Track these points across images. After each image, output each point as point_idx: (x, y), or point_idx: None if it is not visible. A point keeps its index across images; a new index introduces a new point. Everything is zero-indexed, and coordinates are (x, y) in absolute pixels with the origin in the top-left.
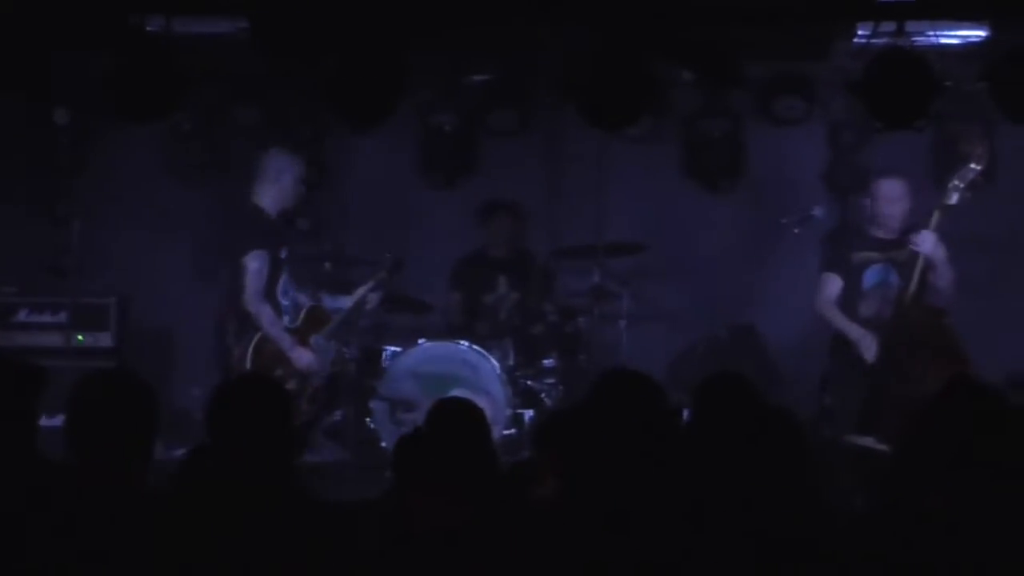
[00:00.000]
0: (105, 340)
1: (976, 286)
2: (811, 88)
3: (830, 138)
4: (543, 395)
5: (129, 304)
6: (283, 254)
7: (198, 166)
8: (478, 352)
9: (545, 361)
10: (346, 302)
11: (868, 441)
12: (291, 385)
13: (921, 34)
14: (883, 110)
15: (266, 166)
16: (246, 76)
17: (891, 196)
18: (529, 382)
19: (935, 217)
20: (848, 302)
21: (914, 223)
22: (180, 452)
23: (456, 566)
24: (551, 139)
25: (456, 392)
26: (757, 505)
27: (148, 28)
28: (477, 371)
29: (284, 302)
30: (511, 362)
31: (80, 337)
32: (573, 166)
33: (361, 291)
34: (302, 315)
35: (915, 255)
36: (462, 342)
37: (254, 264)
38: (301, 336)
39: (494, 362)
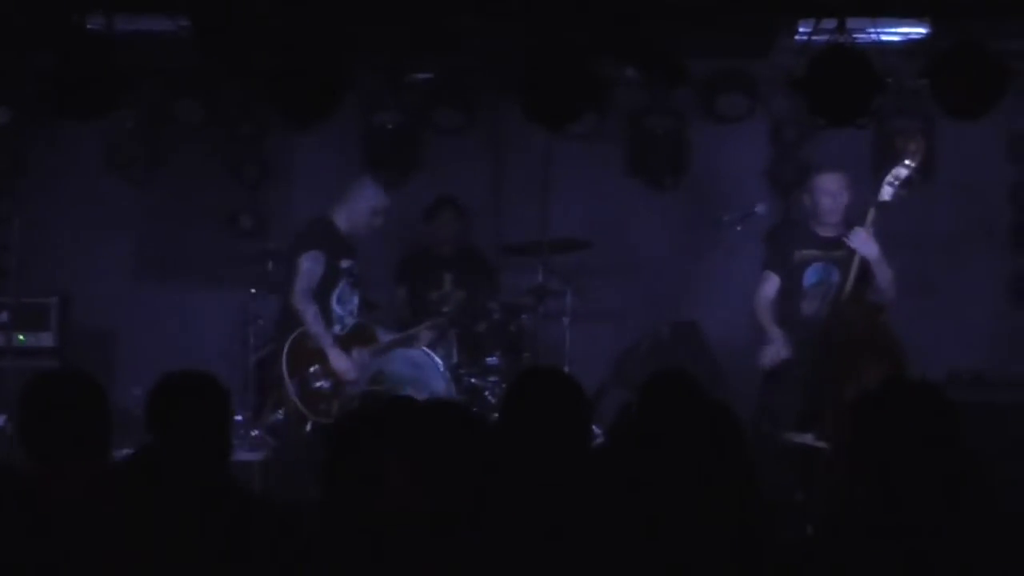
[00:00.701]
0: (47, 340)
1: (914, 284)
2: (753, 85)
3: (772, 135)
4: (487, 393)
5: (71, 304)
6: (344, 264)
7: (140, 164)
8: (423, 350)
9: (489, 359)
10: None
11: (807, 438)
12: (323, 384)
13: (862, 31)
14: (825, 107)
15: (351, 189)
16: (188, 74)
17: (829, 190)
18: (473, 380)
19: (870, 214)
20: (789, 301)
21: (853, 220)
22: (124, 453)
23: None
24: (496, 137)
25: (400, 392)
26: (700, 501)
27: (89, 26)
28: (422, 369)
29: (339, 311)
30: (455, 360)
31: (21, 337)
32: (517, 164)
33: (420, 328)
34: (350, 327)
35: (852, 254)
36: None
37: (307, 263)
38: (344, 344)
39: (438, 360)
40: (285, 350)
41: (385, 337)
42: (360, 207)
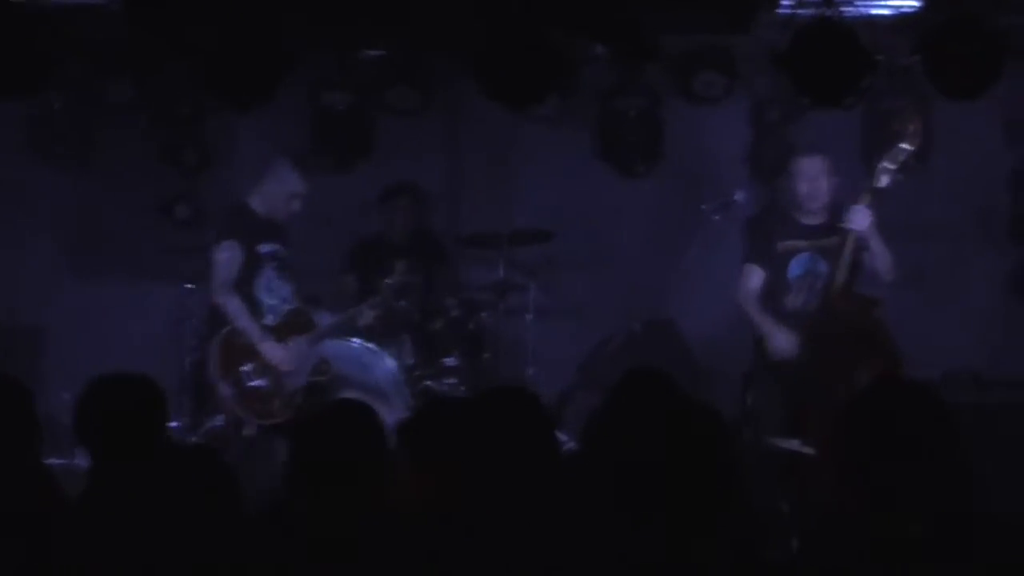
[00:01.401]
0: None
1: (907, 277)
2: (732, 63)
3: (753, 116)
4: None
5: None
6: (264, 250)
7: (68, 148)
8: (372, 350)
9: (446, 360)
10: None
11: (793, 444)
12: (262, 383)
13: (850, 4)
14: (810, 86)
15: (267, 172)
16: (119, 50)
17: (807, 174)
18: (429, 383)
19: (864, 201)
20: (773, 295)
21: (841, 206)
22: (52, 462)
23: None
24: (453, 118)
25: (347, 395)
26: (680, 512)
27: None
28: (370, 371)
29: (267, 300)
30: (409, 361)
31: None
32: (477, 148)
33: (360, 307)
34: (282, 315)
35: (844, 239)
36: (354, 340)
37: (221, 255)
38: (278, 334)
39: (390, 361)
40: (214, 351)
41: (324, 321)
42: (275, 191)
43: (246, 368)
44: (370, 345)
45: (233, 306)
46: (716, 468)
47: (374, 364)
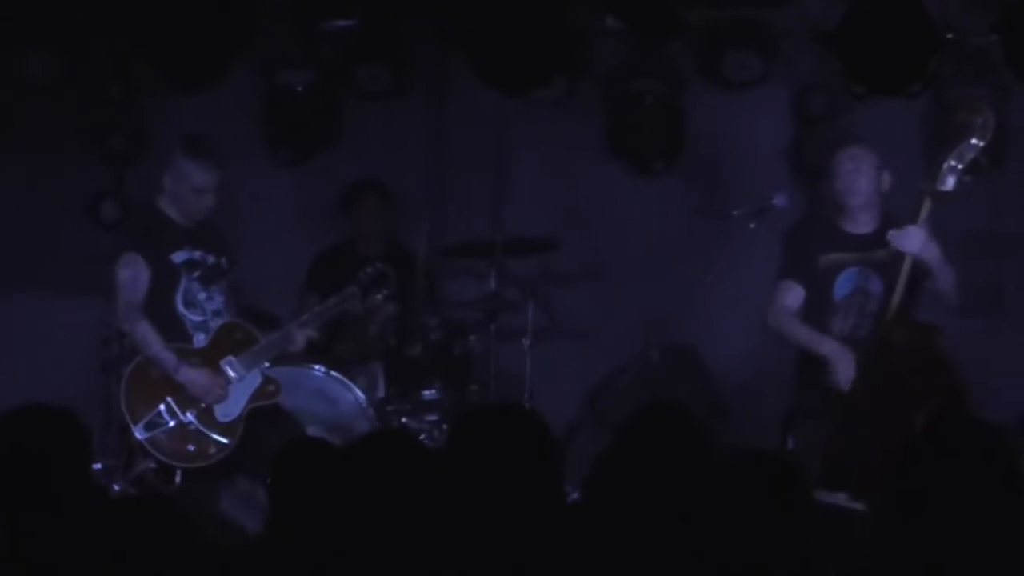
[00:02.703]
0: None
1: (979, 299)
2: (770, 40)
3: (794, 105)
4: (423, 436)
5: None
6: (179, 258)
7: None
8: (337, 380)
9: (425, 392)
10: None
11: (839, 498)
12: (186, 419)
13: None
14: (865, 70)
15: (170, 167)
16: (40, 20)
17: (849, 166)
18: (404, 419)
19: (925, 207)
20: (816, 317)
21: (894, 215)
22: None
23: None
24: (436, 103)
25: (310, 431)
26: None
27: None
28: (336, 405)
29: (192, 317)
30: (381, 393)
31: None
32: (464, 139)
33: (310, 313)
34: (213, 333)
35: (898, 260)
36: (316, 367)
37: (124, 272)
38: (207, 358)
39: (358, 393)
40: (124, 384)
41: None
42: (177, 188)
43: (165, 407)
44: (335, 374)
45: (140, 332)
46: (759, 528)
47: (339, 396)
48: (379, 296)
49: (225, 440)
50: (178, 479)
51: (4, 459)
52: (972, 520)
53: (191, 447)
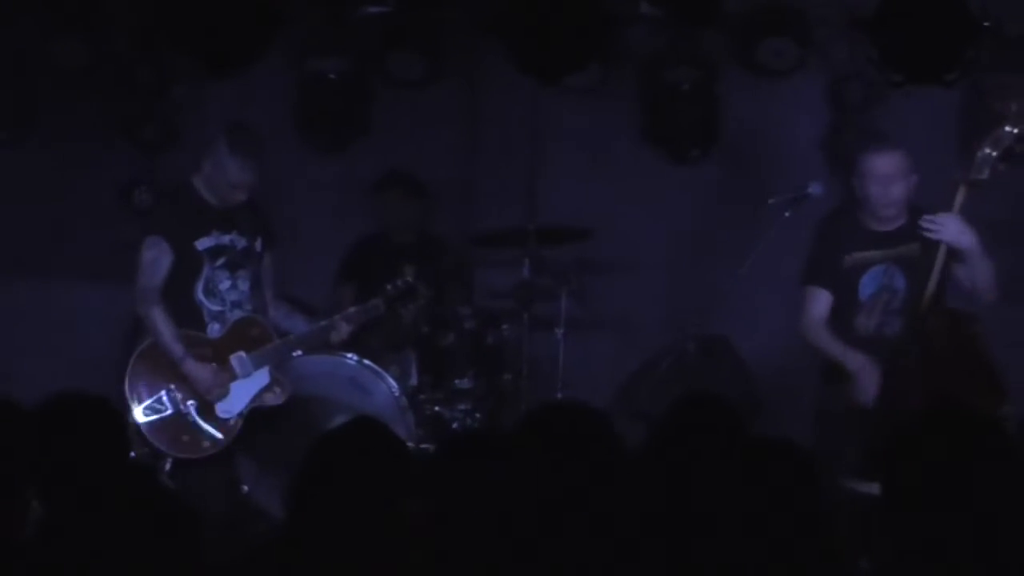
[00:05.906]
0: None
1: (1014, 290)
2: (806, 28)
3: (831, 94)
4: (455, 425)
5: None
6: (204, 244)
7: (6, 121)
8: (370, 368)
9: (458, 381)
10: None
11: (874, 489)
12: (189, 409)
13: None
14: (901, 59)
15: (209, 155)
16: (71, 6)
17: (879, 174)
18: (437, 408)
19: (959, 196)
20: (841, 316)
21: (921, 206)
22: None
23: None
24: (468, 90)
25: (338, 420)
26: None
27: None
28: (369, 394)
29: (211, 306)
30: (414, 382)
31: None
32: (497, 126)
33: (335, 318)
34: (228, 326)
35: (932, 249)
36: (349, 355)
37: (146, 254)
38: (218, 349)
39: (391, 382)
40: (129, 365)
41: (299, 330)
42: (215, 177)
43: (167, 393)
44: (368, 362)
45: (153, 316)
46: (798, 521)
47: (372, 386)
48: (404, 310)
49: (219, 436)
50: (167, 467)
51: (44, 446)
52: (959, 509)
53: (185, 437)
